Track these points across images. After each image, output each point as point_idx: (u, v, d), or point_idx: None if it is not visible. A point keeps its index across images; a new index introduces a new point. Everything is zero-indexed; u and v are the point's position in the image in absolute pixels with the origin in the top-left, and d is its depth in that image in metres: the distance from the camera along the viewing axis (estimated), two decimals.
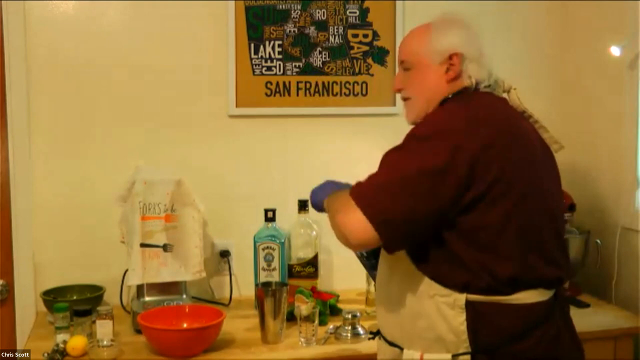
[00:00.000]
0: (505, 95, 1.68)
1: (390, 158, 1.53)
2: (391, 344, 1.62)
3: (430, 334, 1.52)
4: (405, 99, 1.70)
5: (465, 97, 1.61)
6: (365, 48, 2.57)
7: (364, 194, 1.49)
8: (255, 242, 2.32)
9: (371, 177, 1.53)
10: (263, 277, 2.31)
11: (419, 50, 1.65)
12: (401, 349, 1.58)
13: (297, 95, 2.54)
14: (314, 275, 2.35)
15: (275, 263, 2.31)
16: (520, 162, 1.51)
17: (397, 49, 2.54)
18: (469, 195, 1.46)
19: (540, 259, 1.52)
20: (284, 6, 2.49)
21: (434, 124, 1.54)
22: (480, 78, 1.62)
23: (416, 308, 1.54)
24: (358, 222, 1.46)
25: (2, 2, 2.27)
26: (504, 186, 1.46)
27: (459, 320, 1.49)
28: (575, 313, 1.66)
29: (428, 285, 1.52)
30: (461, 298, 1.49)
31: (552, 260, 1.55)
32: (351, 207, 1.48)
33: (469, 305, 1.49)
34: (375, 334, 1.73)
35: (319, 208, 1.79)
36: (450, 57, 1.61)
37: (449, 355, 1.50)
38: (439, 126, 1.51)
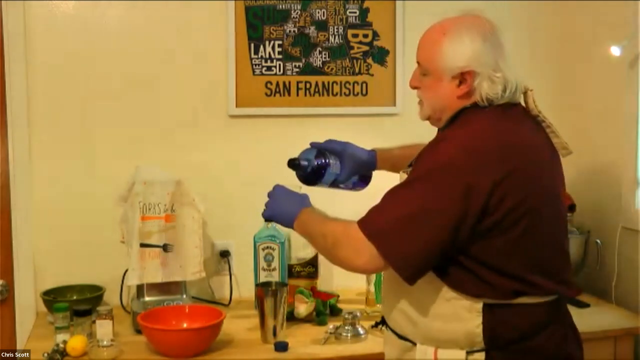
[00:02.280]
0: (522, 97, 1.62)
1: (407, 193, 1.51)
2: (400, 336, 1.62)
3: (445, 334, 1.53)
4: (419, 99, 1.66)
5: (477, 117, 1.55)
6: (365, 48, 2.57)
7: (381, 233, 1.49)
8: (255, 242, 2.32)
9: (385, 213, 1.51)
10: (263, 277, 2.30)
11: (433, 59, 1.58)
12: (413, 343, 1.58)
13: (297, 95, 2.54)
14: (314, 275, 2.35)
15: (275, 263, 2.31)
16: (530, 188, 1.49)
17: (396, 49, 2.58)
18: (481, 226, 1.46)
19: (543, 275, 1.53)
20: (284, 6, 2.49)
21: (449, 157, 1.48)
22: (493, 95, 1.54)
23: (431, 309, 1.54)
24: (372, 260, 1.49)
25: (2, 2, 2.27)
26: (515, 215, 1.47)
27: (476, 323, 1.51)
28: (575, 313, 1.66)
29: (445, 290, 1.52)
30: (478, 302, 1.51)
31: (553, 275, 1.55)
32: (363, 245, 1.49)
33: (485, 308, 1.50)
34: (379, 323, 1.73)
35: (287, 223, 1.73)
36: (462, 74, 1.54)
37: (463, 352, 1.51)
38: (453, 161, 1.47)
